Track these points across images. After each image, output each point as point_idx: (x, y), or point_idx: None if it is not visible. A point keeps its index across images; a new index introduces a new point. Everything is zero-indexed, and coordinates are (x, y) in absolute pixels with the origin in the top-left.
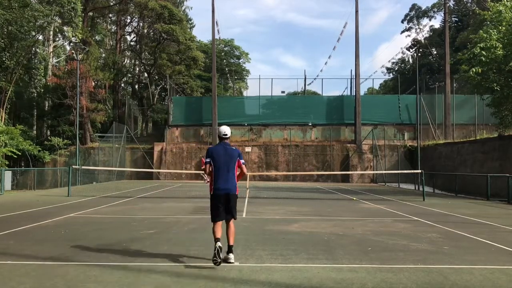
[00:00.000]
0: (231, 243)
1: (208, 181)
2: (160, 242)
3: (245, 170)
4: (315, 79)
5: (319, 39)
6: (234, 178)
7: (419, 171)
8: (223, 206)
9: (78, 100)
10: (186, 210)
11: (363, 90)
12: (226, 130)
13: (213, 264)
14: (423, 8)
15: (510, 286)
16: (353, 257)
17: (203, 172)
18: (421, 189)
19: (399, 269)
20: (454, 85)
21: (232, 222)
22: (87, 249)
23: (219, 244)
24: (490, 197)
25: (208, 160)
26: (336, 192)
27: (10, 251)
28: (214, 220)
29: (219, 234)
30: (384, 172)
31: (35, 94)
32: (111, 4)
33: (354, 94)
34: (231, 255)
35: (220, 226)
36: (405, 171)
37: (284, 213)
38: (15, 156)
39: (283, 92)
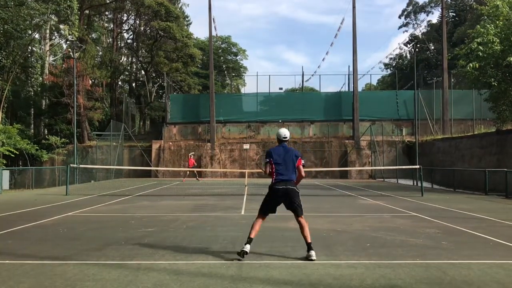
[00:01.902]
0: (309, 240)
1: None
2: (158, 240)
3: (302, 172)
4: (312, 75)
5: (323, 36)
6: (293, 176)
7: (417, 166)
8: (279, 200)
9: (75, 98)
10: (185, 208)
11: (361, 86)
12: (286, 133)
13: (211, 262)
14: (420, 3)
15: (508, 280)
16: (352, 253)
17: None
18: (419, 184)
19: (398, 265)
20: (452, 80)
21: (302, 219)
22: (86, 247)
23: (247, 247)
24: (488, 192)
25: (267, 160)
26: (334, 188)
27: (8, 250)
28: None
29: (253, 232)
30: (382, 168)
31: (32, 93)
32: (108, 1)
33: (352, 90)
34: (312, 252)
35: (258, 223)
36: (403, 167)
37: (282, 210)
38: (13, 156)
39: (280, 88)
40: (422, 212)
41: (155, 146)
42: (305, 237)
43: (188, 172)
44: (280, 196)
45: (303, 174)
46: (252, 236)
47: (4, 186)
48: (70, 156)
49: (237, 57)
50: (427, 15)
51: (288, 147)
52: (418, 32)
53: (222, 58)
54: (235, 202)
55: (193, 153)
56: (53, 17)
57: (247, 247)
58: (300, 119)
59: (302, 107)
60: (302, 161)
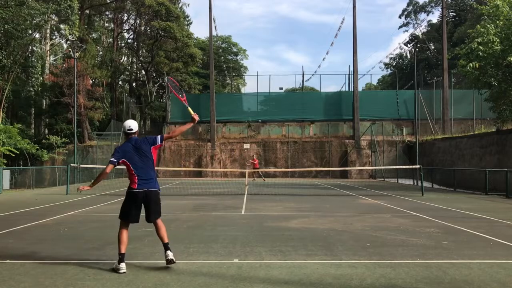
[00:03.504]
0: (166, 240)
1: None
2: (158, 239)
3: (172, 134)
4: (313, 75)
5: (323, 35)
6: (154, 174)
7: (418, 166)
8: (141, 206)
9: (75, 98)
10: (185, 208)
11: (361, 86)
12: (131, 124)
13: (212, 262)
14: (420, 3)
15: (509, 280)
16: (352, 253)
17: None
18: (419, 184)
19: (398, 264)
20: (452, 80)
21: (160, 220)
22: (86, 247)
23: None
24: (489, 191)
25: (115, 161)
26: (334, 188)
27: (9, 250)
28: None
29: (122, 246)
30: (382, 167)
31: (33, 93)
32: (108, 1)
33: (352, 89)
34: (169, 252)
35: (125, 233)
36: (404, 166)
37: (283, 210)
38: (13, 155)
39: (281, 88)
40: (422, 211)
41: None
42: (162, 238)
43: (259, 172)
44: (140, 201)
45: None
46: (123, 251)
47: (4, 186)
48: (70, 155)
49: (238, 57)
50: (427, 15)
51: (138, 140)
52: (418, 32)
53: (222, 58)
54: (235, 202)
55: (255, 153)
56: (53, 17)
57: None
58: (300, 119)
59: (302, 106)
60: (157, 137)
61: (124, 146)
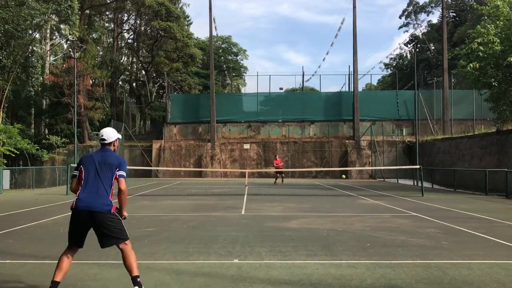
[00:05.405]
0: (134, 273)
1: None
2: (159, 239)
3: (122, 185)
4: (313, 75)
5: (324, 36)
6: (105, 192)
7: (418, 166)
8: (85, 228)
9: (76, 98)
10: (185, 208)
11: (361, 86)
12: (104, 133)
13: (212, 262)
14: (420, 3)
15: (509, 280)
16: (352, 253)
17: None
18: (419, 184)
19: (398, 265)
20: (452, 80)
21: (124, 246)
22: (86, 247)
23: None
24: (489, 192)
25: (76, 172)
26: (334, 188)
27: (9, 250)
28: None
29: (58, 273)
30: (382, 168)
31: (33, 93)
32: (108, 1)
33: (352, 90)
34: None
35: (65, 258)
36: (404, 167)
37: (282, 210)
38: (13, 155)
39: (281, 88)
40: (422, 212)
41: (155, 146)
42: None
43: (283, 174)
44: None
45: (122, 187)
46: (58, 279)
47: (4, 186)
48: (70, 155)
49: (238, 57)
50: (428, 15)
51: (109, 153)
52: (418, 32)
53: (222, 58)
54: (235, 202)
55: (276, 154)
56: (53, 17)
57: None
58: (300, 119)
59: (302, 107)
60: (120, 172)
61: (88, 156)
